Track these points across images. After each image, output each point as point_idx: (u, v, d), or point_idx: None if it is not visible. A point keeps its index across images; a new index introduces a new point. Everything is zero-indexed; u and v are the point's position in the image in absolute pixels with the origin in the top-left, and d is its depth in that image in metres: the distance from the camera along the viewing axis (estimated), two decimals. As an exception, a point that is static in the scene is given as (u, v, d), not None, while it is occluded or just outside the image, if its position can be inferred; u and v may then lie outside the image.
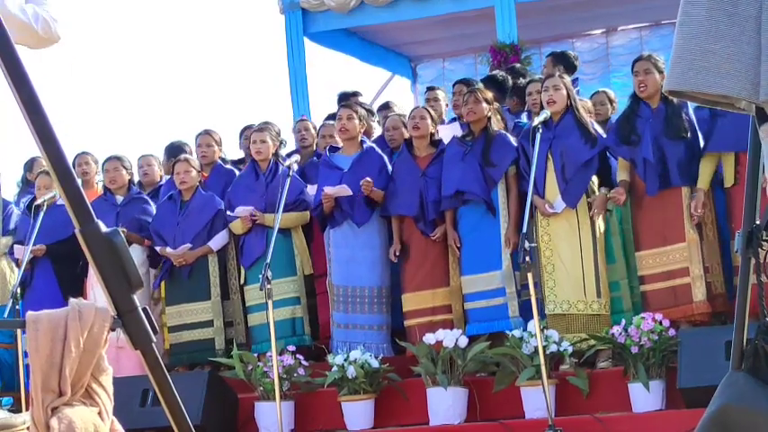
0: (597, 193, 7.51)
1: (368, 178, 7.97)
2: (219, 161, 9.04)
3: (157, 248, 8.43)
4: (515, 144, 7.77)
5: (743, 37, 1.82)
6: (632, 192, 7.46)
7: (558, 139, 7.52)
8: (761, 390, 2.37)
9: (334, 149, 8.42)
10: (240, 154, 9.58)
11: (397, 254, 7.97)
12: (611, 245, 7.66)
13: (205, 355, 8.25)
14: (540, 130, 7.24)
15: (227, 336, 8.33)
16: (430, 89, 9.56)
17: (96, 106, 29.21)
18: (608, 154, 7.62)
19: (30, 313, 1.91)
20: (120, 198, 8.72)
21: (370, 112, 9.28)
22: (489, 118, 7.83)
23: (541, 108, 7.63)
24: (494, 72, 9.57)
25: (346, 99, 9.19)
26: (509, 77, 9.19)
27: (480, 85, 8.46)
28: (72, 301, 1.93)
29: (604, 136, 7.61)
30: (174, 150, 9.18)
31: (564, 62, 9.21)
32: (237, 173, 8.87)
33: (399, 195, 8.00)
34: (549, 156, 7.51)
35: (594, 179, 7.56)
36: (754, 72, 1.85)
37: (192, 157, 8.72)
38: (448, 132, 8.39)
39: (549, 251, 7.50)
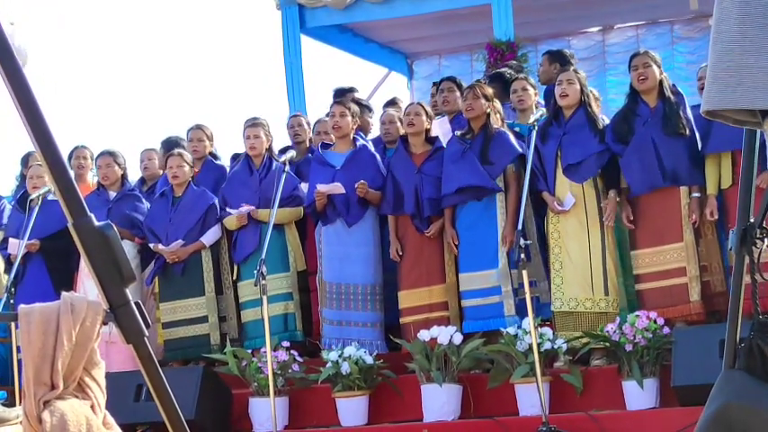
0: (607, 198, 7.50)
1: (362, 181, 7.98)
2: (210, 156, 9.04)
3: (150, 245, 8.43)
4: (515, 143, 7.76)
5: None
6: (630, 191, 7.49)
7: (568, 136, 7.52)
8: (759, 387, 2.37)
9: (326, 146, 8.41)
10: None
11: (401, 253, 7.96)
12: (609, 242, 7.70)
13: (200, 350, 8.25)
14: (536, 128, 7.23)
15: (222, 330, 8.33)
16: (436, 84, 9.59)
17: (93, 101, 29.20)
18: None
19: (22, 306, 1.92)
20: (112, 194, 8.71)
21: (366, 107, 9.28)
22: (488, 115, 7.81)
23: (555, 103, 7.61)
24: (502, 69, 9.55)
25: (342, 95, 9.17)
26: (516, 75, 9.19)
27: (464, 82, 8.48)
28: (64, 294, 1.93)
29: None
30: (171, 145, 9.17)
31: (560, 60, 9.21)
32: (228, 168, 8.87)
33: (396, 194, 8.00)
34: (559, 153, 7.51)
35: (600, 182, 7.56)
36: None
37: (186, 152, 8.70)
38: (436, 127, 8.36)
39: (557, 248, 7.52)
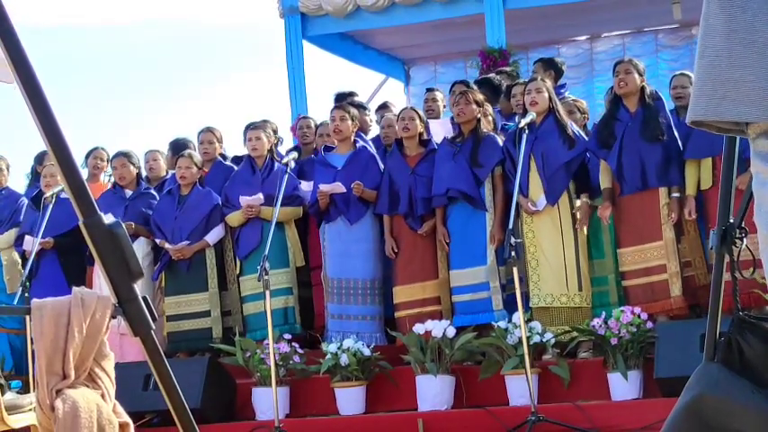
0: (579, 201, 7.67)
1: (358, 181, 8.15)
2: (219, 158, 9.19)
3: (157, 241, 8.60)
4: (502, 146, 7.93)
5: (762, 63, 1.81)
6: (612, 192, 7.65)
7: (539, 140, 7.68)
8: (734, 380, 2.44)
9: (328, 148, 8.60)
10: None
11: (396, 250, 8.13)
12: (602, 240, 7.82)
13: (202, 342, 8.40)
14: (527, 131, 7.36)
15: (225, 324, 8.48)
16: (429, 90, 9.70)
17: (103, 104, 29.37)
18: (587, 156, 7.78)
19: (35, 300, 2.05)
20: (129, 192, 8.87)
21: (362, 107, 9.42)
22: (479, 120, 8.01)
23: (525, 110, 7.76)
24: (490, 75, 9.77)
25: (342, 99, 9.29)
26: (504, 81, 9.33)
27: (474, 87, 8.58)
28: (75, 289, 2.06)
29: (586, 138, 7.80)
30: (179, 146, 9.33)
31: (552, 68, 9.35)
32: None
33: (391, 194, 8.16)
34: (532, 156, 7.67)
35: (571, 185, 7.75)
36: None
37: (196, 153, 8.87)
38: (438, 128, 8.55)
39: (533, 247, 7.67)
